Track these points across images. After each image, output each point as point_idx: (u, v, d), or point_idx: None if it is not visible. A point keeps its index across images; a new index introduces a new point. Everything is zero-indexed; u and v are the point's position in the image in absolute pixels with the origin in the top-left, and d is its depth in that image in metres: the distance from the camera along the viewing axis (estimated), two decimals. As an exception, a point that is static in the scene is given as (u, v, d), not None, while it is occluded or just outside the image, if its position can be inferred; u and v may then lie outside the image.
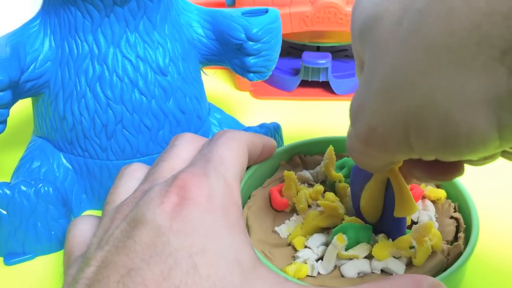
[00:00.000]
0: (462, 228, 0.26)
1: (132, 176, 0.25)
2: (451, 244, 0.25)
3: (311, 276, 0.24)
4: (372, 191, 0.25)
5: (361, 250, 0.24)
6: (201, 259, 0.19)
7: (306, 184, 0.30)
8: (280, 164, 0.31)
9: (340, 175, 0.29)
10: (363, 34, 0.19)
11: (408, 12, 0.17)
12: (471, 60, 0.15)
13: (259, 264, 0.20)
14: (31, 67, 0.31)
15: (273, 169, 0.31)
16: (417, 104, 0.16)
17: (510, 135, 0.16)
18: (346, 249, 0.24)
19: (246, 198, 0.29)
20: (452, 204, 0.28)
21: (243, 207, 0.28)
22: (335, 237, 0.24)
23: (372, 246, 0.25)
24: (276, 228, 0.27)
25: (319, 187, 0.28)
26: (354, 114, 0.20)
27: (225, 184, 0.22)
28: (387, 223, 0.25)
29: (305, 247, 0.25)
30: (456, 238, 0.26)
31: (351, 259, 0.24)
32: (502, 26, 0.14)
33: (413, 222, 0.27)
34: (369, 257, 0.25)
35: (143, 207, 0.20)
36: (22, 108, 0.39)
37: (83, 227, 0.24)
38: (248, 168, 0.28)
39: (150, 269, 0.18)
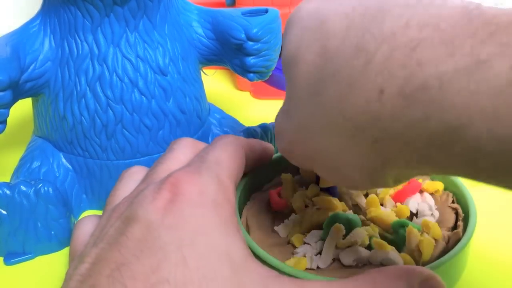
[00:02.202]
0: (461, 217, 0.26)
1: (132, 178, 0.26)
2: (452, 231, 0.26)
3: (311, 269, 0.24)
4: None
5: (357, 235, 0.25)
6: (190, 252, 0.19)
7: (304, 187, 0.30)
8: (278, 171, 0.31)
9: None
10: (286, 65, 0.21)
11: (317, 72, 0.19)
12: (351, 137, 0.18)
13: (250, 258, 0.20)
14: (31, 67, 0.31)
15: (272, 175, 0.31)
16: (317, 150, 0.20)
17: (382, 185, 0.20)
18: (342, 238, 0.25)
19: (245, 201, 0.29)
20: (451, 194, 0.28)
21: (242, 210, 0.28)
22: (332, 228, 0.24)
23: (366, 231, 0.25)
24: (276, 228, 0.27)
25: (315, 187, 0.28)
26: (278, 132, 0.23)
27: (218, 181, 0.22)
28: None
29: (304, 243, 0.26)
30: (456, 225, 0.26)
31: (349, 246, 0.24)
32: (374, 128, 0.17)
33: (412, 214, 0.27)
34: (368, 248, 0.25)
35: (136, 205, 0.21)
36: (22, 108, 0.39)
37: (86, 227, 0.24)
38: (246, 174, 0.28)
39: (139, 263, 0.18)
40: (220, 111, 0.41)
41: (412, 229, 0.24)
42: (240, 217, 0.28)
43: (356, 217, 0.26)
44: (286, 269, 0.22)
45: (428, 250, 0.24)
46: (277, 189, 0.29)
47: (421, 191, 0.29)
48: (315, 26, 0.19)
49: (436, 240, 0.25)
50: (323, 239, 0.25)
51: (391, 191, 0.28)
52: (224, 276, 0.19)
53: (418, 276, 0.19)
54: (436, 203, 0.28)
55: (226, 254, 0.19)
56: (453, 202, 0.28)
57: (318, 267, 0.24)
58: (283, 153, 0.24)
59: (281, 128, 0.23)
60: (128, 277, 0.18)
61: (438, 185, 0.29)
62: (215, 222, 0.20)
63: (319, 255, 0.25)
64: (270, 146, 0.29)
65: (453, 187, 0.28)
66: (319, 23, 0.19)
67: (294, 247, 0.26)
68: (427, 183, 0.29)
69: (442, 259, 0.23)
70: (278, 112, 0.24)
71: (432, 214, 0.27)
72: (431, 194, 0.29)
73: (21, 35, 0.32)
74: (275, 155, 0.30)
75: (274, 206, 0.28)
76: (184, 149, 0.26)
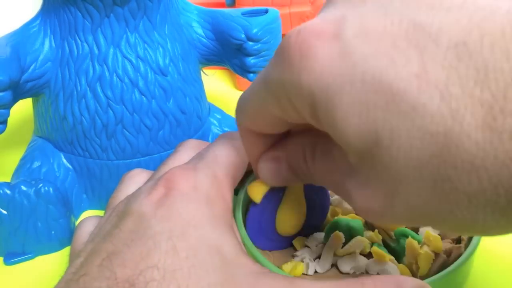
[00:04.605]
0: None
1: (133, 181, 0.26)
2: (457, 243, 0.25)
3: (307, 275, 0.24)
4: (292, 201, 0.25)
5: (356, 245, 0.24)
6: (181, 242, 0.19)
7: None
8: None
9: None
10: (363, 154, 0.16)
11: (427, 151, 0.14)
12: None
13: (242, 254, 0.20)
14: (32, 67, 0.31)
15: None
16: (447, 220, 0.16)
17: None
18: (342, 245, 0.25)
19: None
20: None
21: (248, 206, 0.28)
22: (332, 235, 0.24)
23: (369, 238, 0.25)
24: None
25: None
26: (375, 219, 0.19)
27: (213, 178, 0.22)
28: (317, 215, 0.26)
29: (305, 246, 0.26)
30: (461, 237, 0.26)
31: (349, 254, 0.24)
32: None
33: None
34: (368, 255, 0.25)
35: (132, 201, 0.22)
36: (23, 108, 0.39)
37: (87, 228, 0.25)
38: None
39: (129, 251, 0.19)
40: (220, 111, 0.41)
41: (412, 241, 0.24)
42: (246, 213, 0.27)
43: (358, 225, 0.25)
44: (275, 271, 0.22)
45: (425, 264, 0.23)
46: None
47: None
48: (382, 100, 0.15)
49: (437, 253, 0.24)
50: (323, 243, 0.25)
51: None
52: (214, 267, 0.19)
53: (408, 285, 0.19)
54: None
55: (217, 248, 0.20)
56: None
57: (315, 272, 0.24)
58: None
59: (379, 217, 0.18)
60: (118, 265, 0.18)
61: None
62: (207, 217, 0.21)
63: (318, 259, 0.25)
64: None
65: None
66: (389, 95, 0.14)
67: (295, 249, 0.26)
68: None
69: (439, 274, 0.22)
70: (357, 199, 0.18)
71: None
72: None
73: (21, 35, 0.32)
74: None
75: None
76: (189, 151, 0.26)
